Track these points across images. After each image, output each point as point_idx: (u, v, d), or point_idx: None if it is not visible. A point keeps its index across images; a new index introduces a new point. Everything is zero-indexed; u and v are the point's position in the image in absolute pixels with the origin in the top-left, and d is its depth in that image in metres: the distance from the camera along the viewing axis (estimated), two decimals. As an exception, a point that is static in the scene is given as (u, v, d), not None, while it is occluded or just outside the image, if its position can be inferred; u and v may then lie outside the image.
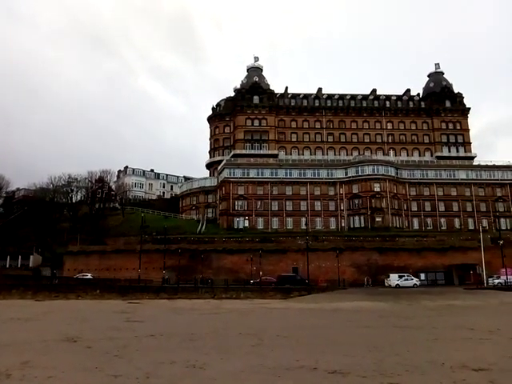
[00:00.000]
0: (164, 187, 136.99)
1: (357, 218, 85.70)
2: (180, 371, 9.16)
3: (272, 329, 17.11)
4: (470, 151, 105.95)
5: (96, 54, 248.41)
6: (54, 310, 26.64)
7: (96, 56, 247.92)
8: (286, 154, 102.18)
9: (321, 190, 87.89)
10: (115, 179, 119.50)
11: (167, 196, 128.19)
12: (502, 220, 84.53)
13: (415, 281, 60.61)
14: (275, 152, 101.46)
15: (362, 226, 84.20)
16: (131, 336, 14.69)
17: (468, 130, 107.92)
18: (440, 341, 13.56)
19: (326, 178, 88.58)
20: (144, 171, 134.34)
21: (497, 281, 58.57)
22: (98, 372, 9.05)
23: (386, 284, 60.78)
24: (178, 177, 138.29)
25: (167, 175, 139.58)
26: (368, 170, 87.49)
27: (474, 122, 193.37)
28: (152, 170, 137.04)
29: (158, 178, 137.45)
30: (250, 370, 9.32)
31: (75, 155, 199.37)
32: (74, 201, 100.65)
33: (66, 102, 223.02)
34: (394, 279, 60.30)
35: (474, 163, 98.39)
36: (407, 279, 60.39)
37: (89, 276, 64.97)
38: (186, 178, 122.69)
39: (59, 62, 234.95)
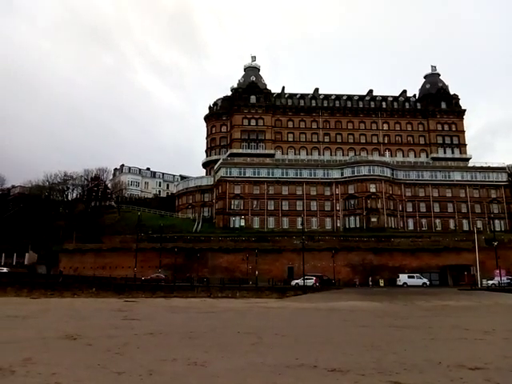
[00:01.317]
0: (160, 186, 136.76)
1: (352, 218, 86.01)
2: (182, 368, 9.27)
3: (270, 328, 17.24)
4: (466, 153, 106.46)
5: (94, 48, 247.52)
6: (51, 308, 26.67)
7: (93, 50, 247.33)
8: (282, 154, 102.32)
9: (317, 190, 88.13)
10: (111, 177, 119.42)
11: (163, 195, 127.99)
12: (497, 221, 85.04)
13: (425, 280, 63.24)
14: (272, 152, 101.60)
15: (358, 226, 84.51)
16: (130, 334, 14.78)
17: (463, 132, 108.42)
18: (436, 340, 13.72)
19: (322, 178, 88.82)
20: (140, 169, 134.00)
21: (491, 282, 59.02)
22: (101, 369, 9.14)
23: (398, 283, 62.89)
24: (174, 175, 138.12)
25: (163, 174, 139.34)
26: (364, 170, 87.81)
27: (472, 123, 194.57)
28: (148, 169, 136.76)
29: (154, 177, 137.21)
30: (251, 367, 9.44)
31: (71, 152, 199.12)
32: (69, 198, 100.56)
33: (63, 97, 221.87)
34: (403, 279, 63.43)
35: (469, 165, 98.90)
36: (417, 279, 63.23)
37: (4, 270, 64.90)
38: (183, 177, 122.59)
39: (56, 57, 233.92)
